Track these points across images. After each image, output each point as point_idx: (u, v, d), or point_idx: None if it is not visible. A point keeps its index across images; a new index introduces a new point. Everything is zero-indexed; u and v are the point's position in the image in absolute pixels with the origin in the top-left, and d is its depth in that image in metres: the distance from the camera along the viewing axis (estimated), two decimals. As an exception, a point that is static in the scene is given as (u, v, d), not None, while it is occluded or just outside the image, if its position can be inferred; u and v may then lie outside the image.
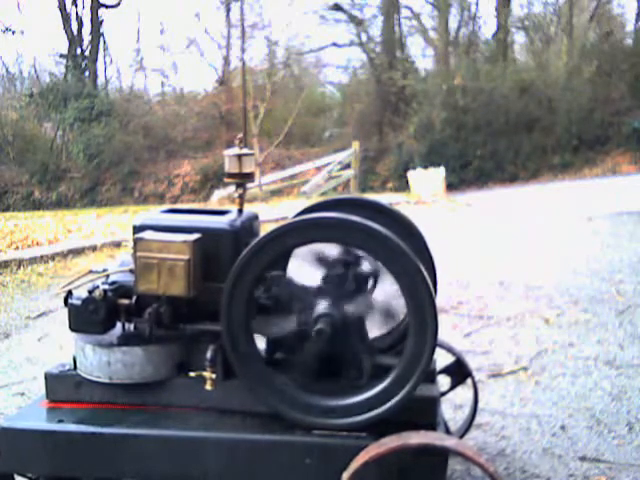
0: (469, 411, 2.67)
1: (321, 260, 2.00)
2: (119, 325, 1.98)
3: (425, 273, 1.73)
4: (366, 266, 2.04)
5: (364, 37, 21.28)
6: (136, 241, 1.87)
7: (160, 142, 19.79)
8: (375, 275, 2.04)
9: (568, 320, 4.38)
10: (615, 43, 18.64)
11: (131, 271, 1.96)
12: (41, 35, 32.11)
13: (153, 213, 2.10)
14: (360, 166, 15.18)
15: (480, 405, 2.70)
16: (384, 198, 10.62)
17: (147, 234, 1.89)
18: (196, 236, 1.87)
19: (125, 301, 1.94)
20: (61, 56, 21.40)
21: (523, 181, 16.22)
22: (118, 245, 7.15)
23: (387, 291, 2.00)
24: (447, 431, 2.46)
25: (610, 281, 5.33)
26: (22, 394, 3.37)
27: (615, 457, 2.60)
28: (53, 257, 6.75)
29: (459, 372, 2.55)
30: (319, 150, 18.81)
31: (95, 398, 2.00)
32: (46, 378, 2.04)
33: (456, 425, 2.73)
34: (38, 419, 1.97)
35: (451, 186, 14.67)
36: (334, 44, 21.72)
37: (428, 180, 13.80)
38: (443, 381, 2.46)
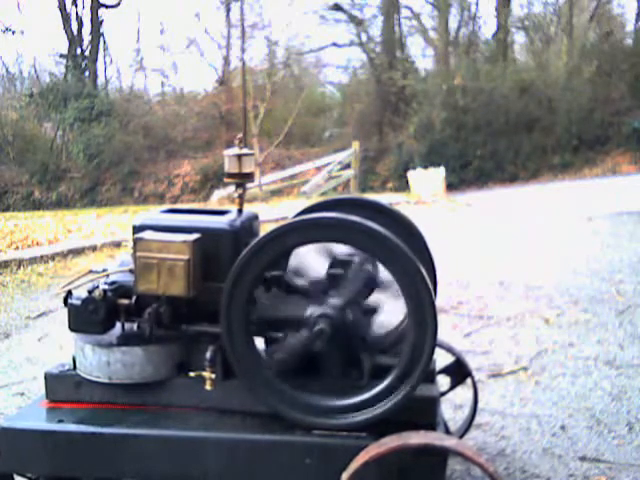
0: (469, 411, 2.67)
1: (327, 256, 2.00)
2: (119, 325, 1.98)
3: (425, 273, 1.73)
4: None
5: (364, 37, 21.29)
6: (136, 241, 1.87)
7: (160, 142, 19.78)
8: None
9: (568, 320, 4.38)
10: (615, 43, 18.63)
11: (131, 271, 1.96)
12: (41, 35, 32.13)
13: (153, 213, 2.10)
14: (360, 166, 15.18)
15: (480, 405, 2.70)
16: (384, 198, 10.63)
17: (147, 234, 1.89)
18: (196, 236, 1.87)
19: (125, 301, 1.94)
20: (61, 56, 21.40)
21: (523, 181, 16.22)
22: (118, 245, 7.15)
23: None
24: (447, 431, 2.46)
25: (610, 281, 5.33)
26: (22, 394, 3.37)
27: (615, 457, 2.60)
28: (53, 257, 6.75)
29: (459, 372, 2.55)
30: (319, 150, 18.80)
31: (95, 398, 2.00)
32: (46, 378, 2.04)
33: (456, 425, 2.73)
34: (38, 419, 1.97)
35: (451, 186, 14.67)
36: (334, 44, 21.73)
37: (428, 180, 13.80)
38: (443, 381, 2.46)
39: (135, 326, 1.96)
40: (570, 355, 3.74)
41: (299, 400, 1.84)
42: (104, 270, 2.06)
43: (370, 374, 1.87)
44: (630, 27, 20.26)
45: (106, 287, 1.94)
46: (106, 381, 1.96)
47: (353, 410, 1.81)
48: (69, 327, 1.96)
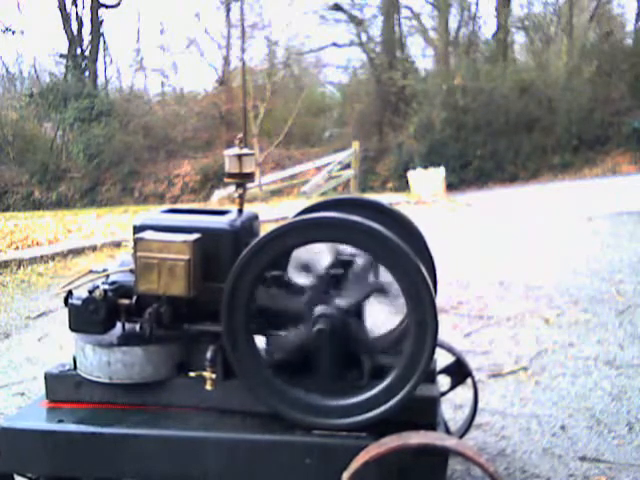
0: (469, 411, 2.67)
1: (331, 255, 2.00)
2: (119, 325, 1.98)
3: (425, 273, 1.73)
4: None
5: (364, 37, 21.29)
6: (136, 241, 1.87)
7: (160, 142, 19.79)
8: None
9: (568, 320, 4.38)
10: (615, 43, 18.64)
11: (131, 271, 1.96)
12: (41, 35, 32.15)
13: (153, 213, 2.10)
14: (360, 166, 15.18)
15: (480, 405, 2.70)
16: (384, 198, 10.62)
17: (147, 234, 1.89)
18: (196, 236, 1.87)
19: (125, 301, 1.94)
20: (61, 56, 21.40)
21: (523, 181, 16.22)
22: (118, 245, 7.15)
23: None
24: (447, 431, 2.46)
25: (610, 281, 5.33)
26: (22, 394, 3.37)
27: (615, 457, 2.60)
28: (53, 257, 6.75)
29: (459, 372, 2.55)
30: (319, 150, 18.80)
31: (95, 398, 2.00)
32: (46, 378, 2.04)
33: (456, 425, 2.73)
34: (38, 419, 1.97)
35: (451, 186, 14.67)
36: (334, 44, 21.74)
37: (428, 180, 13.80)
38: (443, 381, 2.46)
39: (135, 326, 1.96)
40: (570, 355, 3.74)
41: (299, 400, 1.84)
42: (104, 270, 2.06)
43: (370, 374, 1.87)
44: (630, 27, 20.29)
45: (106, 287, 1.94)
46: (106, 381, 1.96)
47: (353, 410, 1.81)
48: (69, 327, 1.96)
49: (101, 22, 21.42)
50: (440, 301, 3.55)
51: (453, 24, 20.43)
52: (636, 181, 12.83)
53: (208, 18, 29.69)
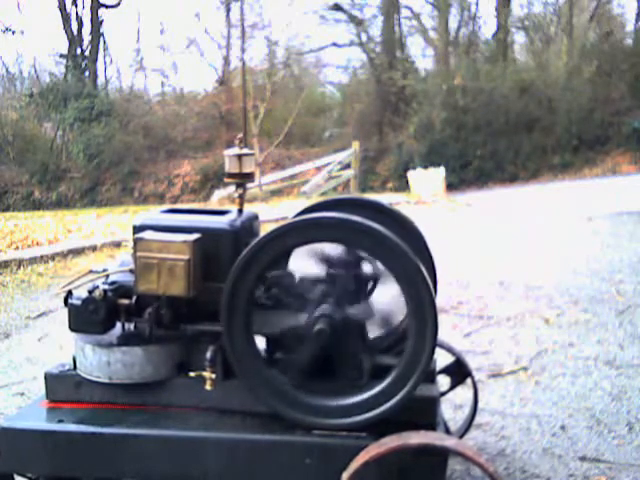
0: (469, 411, 2.67)
1: (323, 259, 2.00)
2: (119, 325, 1.98)
3: (425, 273, 1.73)
4: (367, 267, 2.04)
5: (364, 37, 21.29)
6: (136, 241, 1.87)
7: (160, 142, 19.79)
8: (375, 277, 2.04)
9: (568, 320, 4.38)
10: (615, 43, 18.64)
11: (131, 271, 1.96)
12: (41, 35, 32.16)
13: (153, 213, 2.10)
14: (360, 166, 15.18)
15: (480, 405, 2.70)
16: (384, 198, 10.62)
17: (147, 234, 1.89)
18: (196, 236, 1.87)
19: (125, 301, 1.94)
20: (61, 56, 21.40)
21: (523, 181, 16.22)
22: (118, 245, 7.15)
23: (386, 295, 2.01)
24: (447, 431, 2.46)
25: (610, 281, 5.33)
26: (22, 394, 3.37)
27: (615, 457, 2.60)
28: (53, 257, 6.75)
29: (459, 372, 2.55)
30: (319, 150, 18.80)
31: (95, 398, 2.00)
32: (46, 378, 2.04)
33: (456, 425, 2.73)
34: (38, 419, 1.96)
35: (451, 186, 14.67)
36: (334, 44, 21.74)
37: (428, 180, 13.80)
38: (443, 381, 2.46)
39: (135, 326, 1.96)
40: (570, 355, 3.74)
41: (299, 400, 1.84)
42: (104, 270, 2.06)
43: (370, 374, 1.87)
44: (630, 27, 20.30)
45: (106, 287, 1.94)
46: (106, 381, 1.96)
47: (353, 410, 1.81)
48: (69, 327, 1.96)
49: (101, 22, 21.43)
50: (440, 301, 3.55)
51: (453, 24, 20.46)
52: (636, 181, 12.83)
53: (208, 18, 29.75)
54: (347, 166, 14.74)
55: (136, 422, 1.90)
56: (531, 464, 2.56)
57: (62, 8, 20.82)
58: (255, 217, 2.11)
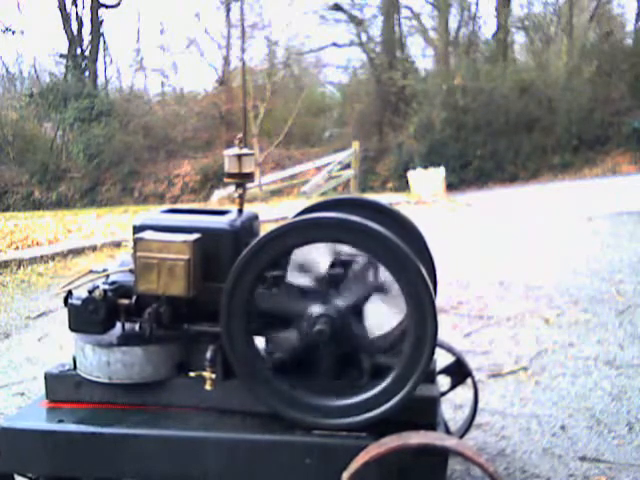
0: (469, 411, 2.67)
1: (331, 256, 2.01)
2: (119, 325, 1.98)
3: (425, 273, 1.73)
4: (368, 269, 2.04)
5: (364, 37, 21.29)
6: (136, 241, 1.87)
7: (160, 142, 19.79)
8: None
9: (568, 320, 4.38)
10: (615, 43, 18.64)
11: (131, 271, 1.96)
12: (41, 35, 32.15)
13: (153, 213, 2.10)
14: (360, 166, 15.18)
15: (480, 405, 2.70)
16: (384, 198, 10.63)
17: (147, 234, 1.89)
18: (196, 236, 1.87)
19: (125, 301, 1.94)
20: (61, 56, 21.40)
21: (523, 181, 16.23)
22: (118, 245, 7.15)
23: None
24: (447, 431, 2.46)
25: (610, 281, 5.33)
26: (22, 394, 3.37)
27: (615, 457, 2.60)
28: (53, 257, 6.75)
29: (459, 372, 2.55)
30: (319, 150, 18.80)
31: (95, 398, 2.00)
32: (46, 378, 2.04)
33: (456, 425, 2.73)
34: (38, 419, 1.97)
35: (451, 186, 14.67)
36: (334, 44, 21.74)
37: (428, 180, 13.80)
38: (443, 381, 2.46)
39: (135, 326, 1.96)
40: (570, 355, 3.74)
41: (299, 400, 1.84)
42: (104, 270, 2.06)
43: (370, 374, 1.87)
44: (630, 27, 20.29)
45: (106, 287, 1.94)
46: (106, 381, 1.96)
47: (353, 410, 1.81)
48: (69, 327, 1.96)
49: (101, 22, 21.42)
50: (440, 301, 3.56)
51: (453, 24, 20.45)
52: (636, 181, 12.83)
53: (208, 18, 29.74)
54: (347, 166, 14.74)
55: (136, 422, 1.90)
56: (531, 464, 2.56)
57: (62, 8, 20.82)
58: (255, 217, 2.11)
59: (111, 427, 1.88)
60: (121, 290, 1.96)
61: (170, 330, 1.93)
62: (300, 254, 1.95)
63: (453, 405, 3.01)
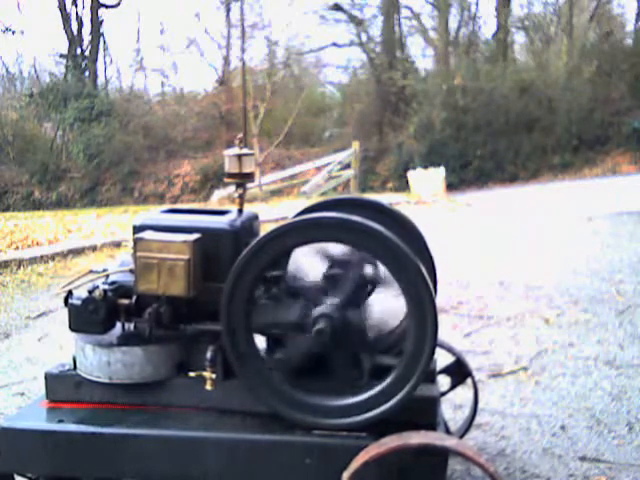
0: (469, 411, 2.67)
1: (324, 258, 2.00)
2: (119, 325, 1.98)
3: (425, 273, 1.73)
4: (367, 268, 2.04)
5: (364, 37, 21.29)
6: (136, 241, 1.87)
7: (160, 142, 19.79)
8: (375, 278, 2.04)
9: (568, 320, 4.38)
10: (615, 43, 18.64)
11: (131, 271, 1.96)
12: (41, 35, 32.15)
13: (153, 213, 2.10)
14: (360, 166, 15.18)
15: (480, 405, 2.70)
16: (384, 198, 10.62)
17: (147, 234, 1.89)
18: (196, 236, 1.87)
19: (125, 301, 1.94)
20: (61, 56, 21.40)
21: (523, 181, 16.23)
22: (118, 245, 7.15)
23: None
24: (447, 431, 2.46)
25: (610, 281, 5.33)
26: (22, 394, 3.37)
27: (615, 457, 2.60)
28: (53, 257, 6.75)
29: (459, 372, 2.55)
30: (319, 150, 18.80)
31: (95, 398, 2.00)
32: (46, 378, 2.04)
33: (456, 425, 2.73)
34: (38, 419, 1.97)
35: (451, 186, 14.67)
36: (334, 44, 21.74)
37: (428, 180, 13.80)
38: (443, 381, 2.46)
39: (135, 326, 1.96)
40: (570, 355, 3.74)
41: (299, 400, 1.84)
42: (104, 270, 2.06)
43: (370, 374, 1.87)
44: (630, 27, 20.30)
45: (106, 287, 1.94)
46: (106, 381, 1.96)
47: (353, 410, 1.81)
48: (69, 327, 1.96)
49: (101, 22, 21.43)
50: (440, 301, 3.55)
51: (453, 24, 20.46)
52: (636, 181, 12.83)
53: (208, 18, 29.75)
54: (347, 166, 14.74)
55: (136, 422, 1.90)
56: (531, 464, 2.56)
57: (62, 8, 20.83)
58: (255, 217, 2.11)
59: (111, 427, 1.88)
60: (121, 290, 1.96)
61: (170, 330, 1.93)
62: (300, 254, 1.95)
63: (453, 405, 3.01)
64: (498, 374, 3.49)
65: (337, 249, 1.99)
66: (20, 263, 6.47)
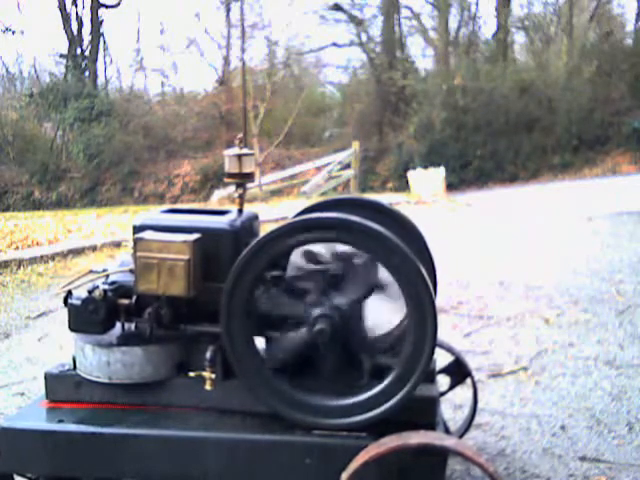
0: (469, 411, 2.67)
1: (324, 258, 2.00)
2: (119, 325, 1.98)
3: (425, 273, 1.73)
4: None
5: (364, 37, 21.29)
6: (136, 241, 1.87)
7: (160, 142, 19.79)
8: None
9: (568, 320, 4.38)
10: (615, 43, 18.64)
11: (131, 271, 1.96)
12: (41, 35, 32.15)
13: (153, 213, 2.10)
14: (360, 166, 15.18)
15: (480, 405, 2.70)
16: (384, 198, 10.62)
17: (147, 234, 1.89)
18: (196, 236, 1.87)
19: (125, 301, 1.94)
20: (61, 56, 21.40)
21: (523, 181, 16.23)
22: (118, 245, 7.15)
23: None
24: (447, 431, 2.46)
25: (610, 281, 5.33)
26: (22, 394, 3.37)
27: (615, 457, 2.60)
28: (53, 257, 6.75)
29: (459, 372, 2.55)
30: (319, 150, 18.80)
31: (95, 398, 2.00)
32: (46, 378, 2.04)
33: (456, 425, 2.73)
34: (38, 419, 1.97)
35: (451, 186, 14.67)
36: (334, 44, 21.74)
37: (428, 180, 13.80)
38: (443, 381, 2.46)
39: (135, 326, 1.96)
40: (570, 355, 3.74)
41: (299, 400, 1.84)
42: (104, 270, 2.06)
43: (370, 374, 1.87)
44: (630, 27, 20.30)
45: (106, 287, 1.94)
46: (106, 381, 1.96)
47: (353, 410, 1.81)
48: (69, 327, 1.96)
49: (101, 22, 21.42)
50: (440, 301, 3.56)
51: (453, 24, 20.45)
52: (636, 181, 12.83)
53: (208, 18, 29.74)
54: (347, 166, 14.74)
55: (136, 422, 1.90)
56: (531, 464, 2.56)
57: (62, 8, 20.82)
58: (255, 217, 2.11)
59: (111, 427, 1.89)
60: (121, 290, 1.96)
61: (170, 330, 1.93)
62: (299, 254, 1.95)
63: (453, 405, 3.01)
64: (498, 374, 3.49)
65: (337, 249, 1.99)
66: (20, 263, 6.47)
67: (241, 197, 2.07)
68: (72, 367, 2.04)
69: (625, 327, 4.20)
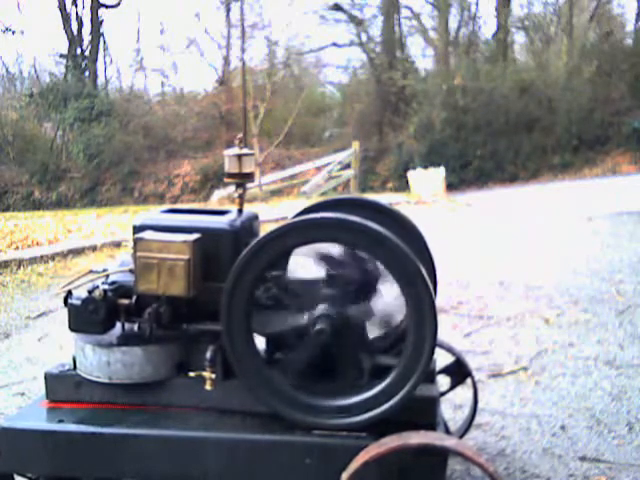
0: (469, 411, 2.67)
1: (323, 258, 2.00)
2: (119, 325, 1.98)
3: (425, 273, 1.73)
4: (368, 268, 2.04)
5: (364, 37, 21.29)
6: (136, 241, 1.87)
7: (160, 142, 19.79)
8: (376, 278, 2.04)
9: (568, 320, 4.38)
10: (615, 43, 18.64)
11: (131, 271, 1.96)
12: (41, 35, 32.15)
13: (153, 213, 2.10)
14: (360, 166, 15.18)
15: (480, 405, 2.70)
16: (384, 198, 10.63)
17: (147, 234, 1.89)
18: (196, 236, 1.87)
19: (125, 301, 1.94)
20: (61, 56, 21.40)
21: (523, 181, 16.23)
22: (118, 245, 7.15)
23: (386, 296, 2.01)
24: (447, 431, 2.46)
25: (610, 281, 5.33)
26: (22, 394, 3.37)
27: (615, 457, 2.60)
28: (53, 257, 6.75)
29: (459, 372, 2.55)
30: (319, 150, 18.80)
31: (95, 398, 2.00)
32: (46, 378, 2.04)
33: (456, 425, 2.73)
34: (38, 419, 1.97)
35: (451, 186, 14.67)
36: (334, 44, 21.74)
37: (428, 180, 13.80)
38: (443, 381, 2.46)
39: (135, 326, 1.96)
40: (570, 355, 3.74)
41: (299, 400, 1.84)
42: (104, 270, 2.06)
43: (370, 374, 1.87)
44: (630, 27, 20.29)
45: (106, 287, 1.94)
46: (106, 381, 1.96)
47: (353, 410, 1.81)
48: (69, 327, 1.96)
49: (101, 22, 21.42)
50: (440, 301, 3.56)
51: (453, 24, 20.45)
52: (636, 181, 12.83)
53: (208, 18, 29.74)
54: (347, 166, 14.74)
55: (136, 422, 1.90)
56: (531, 464, 2.56)
57: (62, 8, 20.82)
58: (255, 217, 2.11)
59: (111, 427, 1.89)
60: (121, 290, 1.96)
61: (170, 330, 1.93)
62: (300, 254, 1.95)
63: (453, 405, 3.01)
64: (498, 374, 3.49)
65: (337, 249, 1.99)
66: (20, 263, 6.47)
67: (241, 197, 2.07)
68: (72, 367, 2.04)
69: (625, 327, 4.20)
